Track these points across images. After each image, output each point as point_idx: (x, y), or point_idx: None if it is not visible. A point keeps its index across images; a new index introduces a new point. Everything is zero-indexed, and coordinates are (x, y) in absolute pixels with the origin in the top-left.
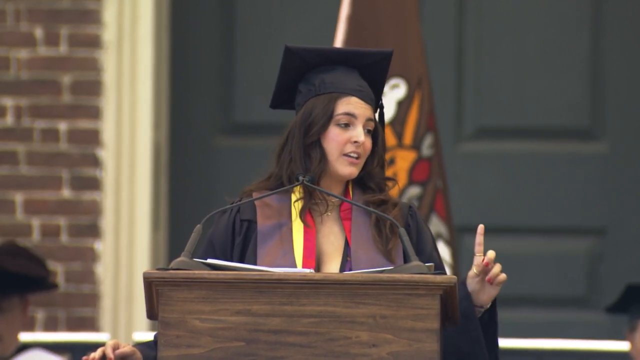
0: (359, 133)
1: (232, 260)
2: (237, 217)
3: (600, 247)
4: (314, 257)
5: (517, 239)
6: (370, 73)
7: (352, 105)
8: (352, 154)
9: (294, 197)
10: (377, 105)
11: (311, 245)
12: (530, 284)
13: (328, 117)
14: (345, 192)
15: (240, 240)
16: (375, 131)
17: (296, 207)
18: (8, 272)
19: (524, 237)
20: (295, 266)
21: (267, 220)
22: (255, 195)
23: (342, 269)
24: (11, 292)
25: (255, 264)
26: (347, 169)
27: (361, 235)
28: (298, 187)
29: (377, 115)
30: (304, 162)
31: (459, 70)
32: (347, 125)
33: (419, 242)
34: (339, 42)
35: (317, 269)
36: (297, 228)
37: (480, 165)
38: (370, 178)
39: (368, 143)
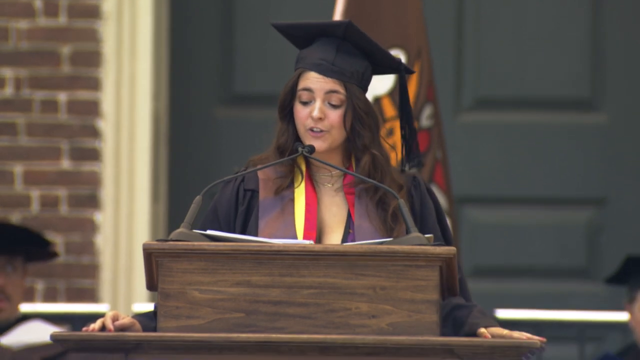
0: (314, 108)
1: (234, 229)
2: (242, 186)
3: (600, 217)
4: (315, 229)
5: (517, 210)
6: (353, 43)
7: (309, 80)
8: (314, 129)
9: (296, 169)
10: (352, 75)
11: (312, 217)
12: (530, 254)
13: (292, 94)
14: (347, 167)
15: (243, 210)
16: (351, 102)
17: (298, 179)
18: (14, 228)
19: (524, 208)
20: (296, 237)
21: (269, 191)
22: (260, 165)
23: (343, 241)
24: (18, 251)
25: (256, 234)
26: (311, 142)
27: (364, 209)
28: (300, 158)
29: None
30: (278, 136)
31: (458, 41)
32: (307, 102)
33: (422, 214)
34: (338, 13)
35: (318, 240)
36: (299, 199)
37: (480, 136)
38: (363, 153)
39: (333, 116)
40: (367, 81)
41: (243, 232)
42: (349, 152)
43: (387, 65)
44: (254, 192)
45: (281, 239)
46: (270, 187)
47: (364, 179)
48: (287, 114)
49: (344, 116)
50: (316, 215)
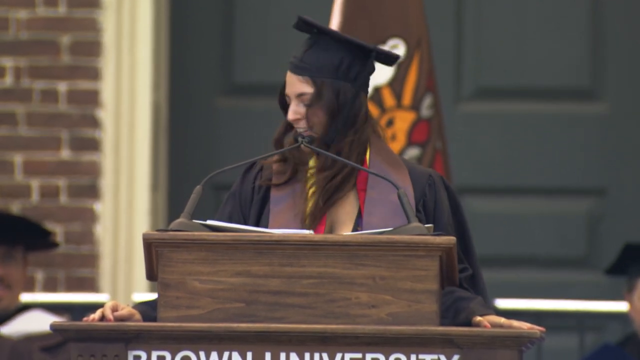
0: (290, 111)
1: (249, 216)
2: (259, 175)
3: (600, 207)
4: (324, 223)
5: (517, 200)
6: (330, 36)
7: (287, 84)
8: (299, 129)
9: (310, 162)
10: (320, 69)
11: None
12: (530, 244)
13: (282, 96)
14: (362, 161)
15: (259, 199)
16: (319, 99)
17: (310, 171)
18: (14, 218)
19: (524, 198)
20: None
21: (282, 183)
22: (269, 158)
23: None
24: (18, 241)
25: (267, 227)
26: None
27: (375, 207)
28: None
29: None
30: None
31: (458, 30)
32: (289, 105)
33: (435, 214)
34: (338, 3)
35: (327, 233)
36: (312, 192)
37: (480, 125)
38: (339, 143)
39: (308, 114)
40: (346, 72)
41: (257, 221)
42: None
43: (366, 54)
44: (270, 182)
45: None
46: (282, 179)
47: (366, 170)
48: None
49: (312, 113)
50: (326, 210)
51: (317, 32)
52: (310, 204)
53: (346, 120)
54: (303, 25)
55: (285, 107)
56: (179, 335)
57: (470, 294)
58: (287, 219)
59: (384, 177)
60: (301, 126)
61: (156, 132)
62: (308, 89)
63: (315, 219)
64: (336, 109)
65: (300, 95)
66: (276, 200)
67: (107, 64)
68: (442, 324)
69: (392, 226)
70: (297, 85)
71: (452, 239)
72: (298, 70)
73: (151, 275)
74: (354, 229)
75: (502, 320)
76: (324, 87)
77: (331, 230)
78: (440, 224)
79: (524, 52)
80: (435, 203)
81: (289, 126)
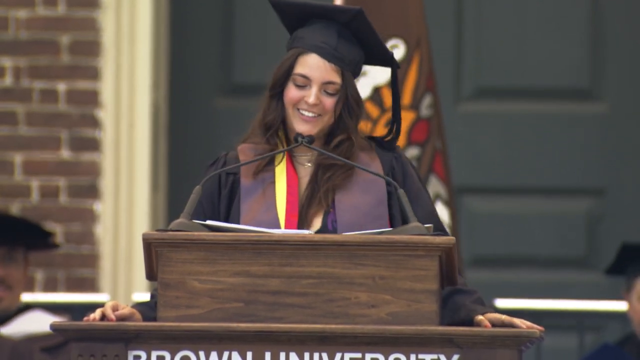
0: (310, 94)
1: (219, 213)
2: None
3: (599, 207)
4: (297, 211)
5: (517, 200)
6: (353, 31)
7: (308, 66)
8: (304, 112)
9: (276, 151)
10: (350, 63)
11: (294, 199)
12: (529, 244)
13: (287, 74)
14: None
15: (226, 193)
16: (345, 91)
17: (278, 158)
18: (15, 220)
19: (524, 198)
20: (277, 219)
21: (250, 173)
22: (242, 147)
23: (325, 220)
24: (18, 242)
25: (239, 218)
26: (301, 127)
27: (346, 189)
28: (282, 137)
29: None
30: (265, 113)
31: (458, 30)
32: (302, 86)
33: (405, 183)
34: (337, 2)
35: (300, 220)
36: (280, 180)
37: (480, 125)
38: (344, 138)
39: (328, 102)
40: (360, 70)
41: (227, 216)
42: (329, 135)
43: (379, 58)
44: (236, 175)
45: (263, 221)
46: (250, 169)
47: (361, 167)
48: (278, 93)
49: (336, 104)
50: (297, 197)
51: (346, 22)
52: (280, 191)
53: (359, 113)
54: (359, 20)
55: (283, 83)
56: (178, 335)
57: (467, 288)
58: (259, 208)
59: (380, 175)
60: (315, 112)
61: (156, 132)
62: (337, 79)
63: (291, 207)
64: (354, 103)
65: (327, 83)
66: (246, 190)
67: (107, 63)
68: (441, 321)
69: (364, 208)
70: (329, 73)
71: (451, 238)
72: (333, 59)
73: (151, 275)
74: (326, 211)
75: (504, 317)
76: (350, 80)
77: (303, 215)
78: (412, 192)
79: (524, 52)
80: (404, 174)
81: (283, 113)
